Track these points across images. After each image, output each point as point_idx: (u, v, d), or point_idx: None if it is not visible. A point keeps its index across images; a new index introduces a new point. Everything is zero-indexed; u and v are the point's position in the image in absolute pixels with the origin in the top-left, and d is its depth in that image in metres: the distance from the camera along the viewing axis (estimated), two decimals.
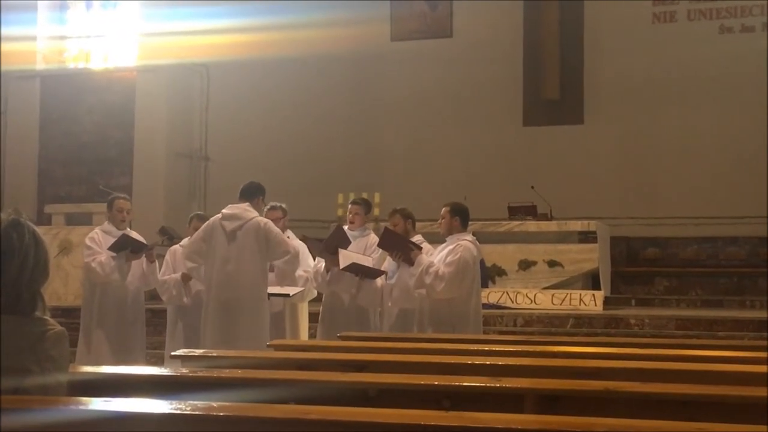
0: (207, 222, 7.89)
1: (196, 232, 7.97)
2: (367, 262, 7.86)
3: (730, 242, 14.40)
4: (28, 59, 15.99)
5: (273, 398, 3.48)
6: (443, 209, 7.73)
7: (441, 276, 7.33)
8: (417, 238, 7.87)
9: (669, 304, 13.05)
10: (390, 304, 7.80)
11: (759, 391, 3.53)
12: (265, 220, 7.78)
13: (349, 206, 8.48)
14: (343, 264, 7.74)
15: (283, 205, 8.36)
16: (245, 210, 7.71)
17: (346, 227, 8.24)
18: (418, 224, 8.26)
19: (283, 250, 7.73)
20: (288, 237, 8.11)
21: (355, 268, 7.78)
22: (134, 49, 16.28)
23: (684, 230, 14.47)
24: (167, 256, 8.69)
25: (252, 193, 7.82)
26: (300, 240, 8.39)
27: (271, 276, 8.01)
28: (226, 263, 7.65)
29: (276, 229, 7.76)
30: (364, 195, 10.41)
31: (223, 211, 7.79)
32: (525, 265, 12.33)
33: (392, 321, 7.80)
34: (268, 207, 8.24)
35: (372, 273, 7.83)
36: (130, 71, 15.74)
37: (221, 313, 7.59)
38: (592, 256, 12.22)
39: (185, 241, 8.72)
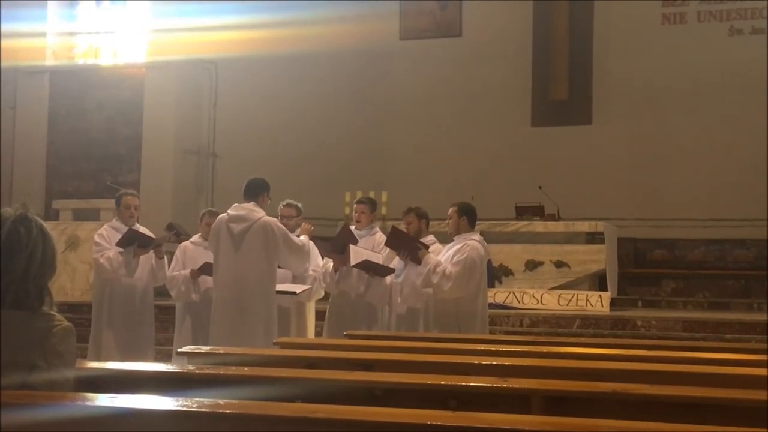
0: (213, 226, 7.89)
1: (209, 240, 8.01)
2: (378, 259, 7.86)
3: (738, 244, 14.36)
4: (37, 55, 16.04)
5: (280, 396, 3.47)
6: (451, 209, 7.74)
7: (448, 275, 7.33)
8: (429, 239, 7.87)
9: (676, 306, 13.03)
10: (399, 301, 7.80)
11: (765, 395, 3.51)
12: (273, 220, 7.76)
13: (355, 206, 8.50)
14: (354, 261, 7.74)
15: (299, 205, 8.34)
16: (251, 210, 7.68)
17: (353, 227, 8.24)
18: None
19: (290, 248, 7.70)
20: (297, 235, 8.11)
21: (366, 265, 7.78)
22: (143, 45, 16.32)
23: (691, 232, 14.44)
24: (177, 252, 8.70)
25: (256, 191, 7.78)
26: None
27: (282, 273, 8.00)
28: (233, 264, 7.62)
29: (283, 229, 7.74)
30: (372, 193, 10.42)
31: (229, 212, 7.75)
32: (532, 265, 12.31)
33: (400, 319, 7.81)
34: (284, 203, 8.26)
35: (382, 270, 7.83)
36: (139, 68, 15.77)
37: (229, 313, 7.58)
38: (599, 257, 12.20)
39: (196, 237, 8.75)
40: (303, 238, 7.97)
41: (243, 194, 7.80)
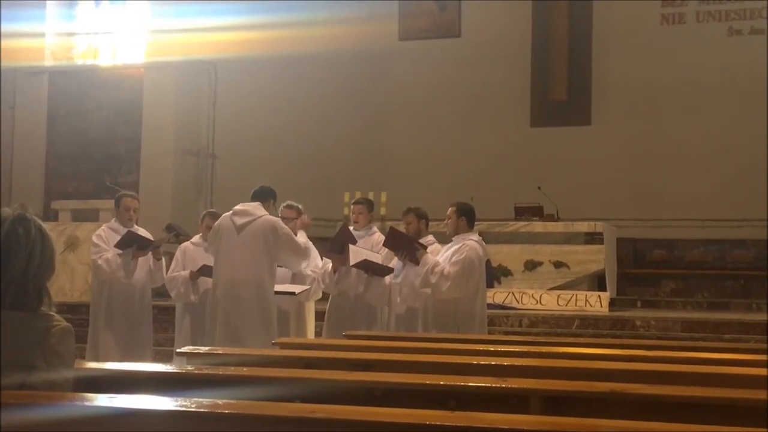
0: (216, 223, 7.92)
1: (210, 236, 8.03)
2: (377, 259, 7.86)
3: (737, 245, 14.36)
4: (36, 56, 16.03)
5: (278, 396, 3.47)
6: (449, 209, 7.74)
7: (446, 275, 7.33)
8: (429, 239, 7.86)
9: (675, 306, 13.04)
10: (398, 301, 7.80)
11: (765, 395, 3.52)
12: (277, 219, 7.79)
13: (352, 206, 8.50)
14: (353, 261, 7.75)
15: (300, 206, 8.35)
16: (256, 208, 7.74)
17: (351, 227, 8.25)
18: None
19: (291, 248, 7.72)
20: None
21: (365, 265, 7.78)
22: (142, 45, 16.32)
23: (691, 232, 14.44)
24: (177, 253, 8.71)
25: (264, 196, 7.87)
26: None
27: (282, 273, 8.00)
28: (233, 259, 7.65)
29: (286, 228, 7.75)
30: (371, 194, 10.42)
31: (235, 208, 7.82)
32: (531, 265, 12.31)
33: (399, 319, 7.81)
34: (284, 205, 8.26)
35: (382, 270, 7.83)
36: (138, 68, 15.77)
37: (228, 311, 7.59)
38: (598, 258, 12.20)
39: (196, 238, 8.76)
40: (301, 235, 7.96)
41: (251, 197, 7.86)
